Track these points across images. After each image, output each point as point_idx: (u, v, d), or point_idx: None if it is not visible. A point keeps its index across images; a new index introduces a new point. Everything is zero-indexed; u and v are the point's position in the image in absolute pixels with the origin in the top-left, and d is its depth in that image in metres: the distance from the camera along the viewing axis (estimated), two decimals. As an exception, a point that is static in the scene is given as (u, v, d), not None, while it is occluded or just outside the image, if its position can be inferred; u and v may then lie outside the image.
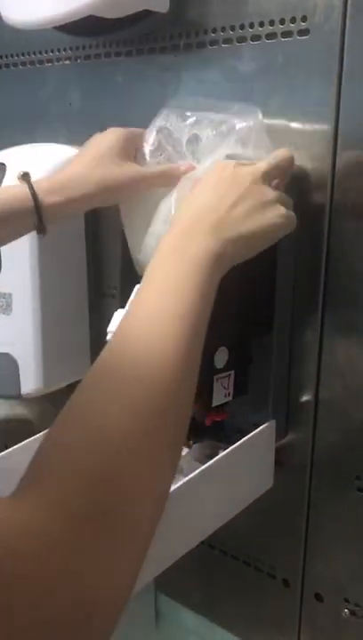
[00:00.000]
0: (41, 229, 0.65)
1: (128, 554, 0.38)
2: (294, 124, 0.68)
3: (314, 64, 0.65)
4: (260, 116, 0.66)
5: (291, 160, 0.64)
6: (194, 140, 0.68)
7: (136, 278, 0.69)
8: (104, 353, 0.46)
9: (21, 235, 0.68)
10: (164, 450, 0.43)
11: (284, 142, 0.69)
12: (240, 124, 0.65)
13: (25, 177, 0.66)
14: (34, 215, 0.64)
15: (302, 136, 0.68)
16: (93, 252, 0.92)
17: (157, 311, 0.47)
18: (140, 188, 0.68)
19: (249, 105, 0.67)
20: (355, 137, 0.64)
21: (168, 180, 0.67)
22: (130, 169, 0.68)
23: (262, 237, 0.57)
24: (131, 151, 0.69)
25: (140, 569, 0.39)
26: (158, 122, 0.70)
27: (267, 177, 0.60)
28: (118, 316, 0.65)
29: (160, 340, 0.45)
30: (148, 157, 0.70)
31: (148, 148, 0.70)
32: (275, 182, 0.62)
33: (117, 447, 0.39)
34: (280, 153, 0.63)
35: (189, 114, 0.68)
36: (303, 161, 0.68)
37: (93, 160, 0.67)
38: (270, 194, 0.58)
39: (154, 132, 0.70)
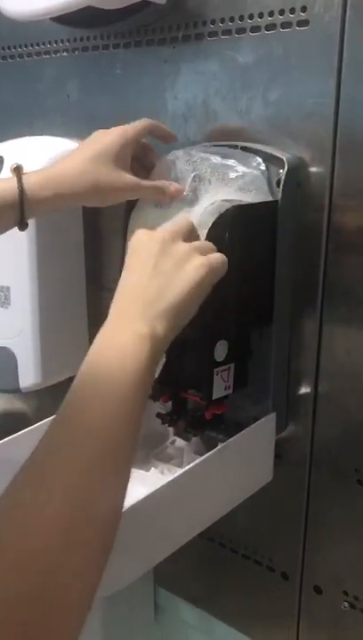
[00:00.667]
0: (22, 225, 0.64)
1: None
2: (294, 115, 0.68)
3: (314, 55, 0.65)
4: (262, 165, 0.67)
5: (190, 225, 0.62)
6: (197, 180, 0.68)
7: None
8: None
9: (8, 228, 0.66)
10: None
11: (283, 134, 0.69)
12: (241, 171, 0.67)
13: (16, 170, 0.65)
14: (18, 210, 0.63)
15: (301, 128, 0.67)
16: (92, 245, 0.92)
17: (86, 406, 0.47)
18: (131, 196, 0.68)
19: (250, 155, 0.69)
20: (355, 128, 0.64)
21: (159, 195, 0.68)
22: (126, 175, 0.67)
23: (190, 297, 0.55)
24: (128, 155, 0.68)
25: None
26: (169, 157, 0.71)
27: (177, 235, 0.58)
28: None
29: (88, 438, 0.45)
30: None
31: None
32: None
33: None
34: (184, 220, 0.63)
35: (194, 153, 0.70)
36: (303, 152, 0.68)
37: (90, 159, 0.66)
38: (182, 249, 0.57)
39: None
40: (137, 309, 0.53)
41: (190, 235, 0.60)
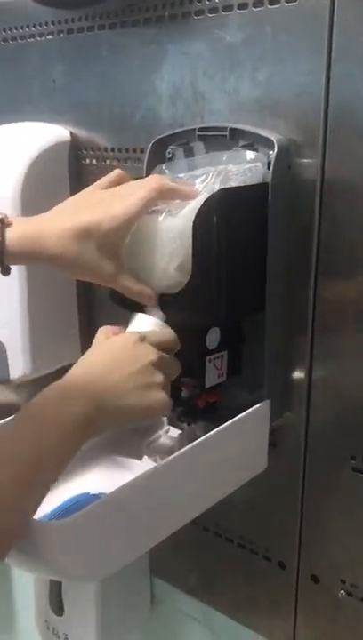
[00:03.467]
0: (5, 271, 0.63)
1: None
2: (284, 95, 0.66)
3: (303, 32, 0.63)
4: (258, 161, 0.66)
5: (175, 342, 0.64)
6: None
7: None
8: None
9: None
10: None
11: (273, 114, 0.67)
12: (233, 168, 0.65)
13: (1, 222, 0.61)
14: None
15: (291, 107, 0.66)
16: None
17: (19, 446, 0.50)
18: (108, 286, 0.65)
19: (239, 150, 0.67)
20: (346, 106, 0.63)
21: (129, 294, 0.64)
22: (107, 268, 0.62)
23: (135, 416, 0.58)
24: (121, 239, 0.62)
25: None
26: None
27: (164, 361, 0.61)
28: (138, 319, 0.65)
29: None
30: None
31: None
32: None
33: None
34: (167, 334, 0.64)
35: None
36: (293, 133, 0.66)
37: (76, 235, 0.60)
38: (159, 378, 0.59)
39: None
40: (94, 393, 0.55)
41: (171, 347, 0.63)
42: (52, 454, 0.51)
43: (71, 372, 0.58)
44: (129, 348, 0.59)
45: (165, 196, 0.62)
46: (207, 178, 0.65)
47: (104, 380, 0.56)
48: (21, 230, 0.62)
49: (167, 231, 0.65)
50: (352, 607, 0.75)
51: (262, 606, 0.85)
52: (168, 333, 0.64)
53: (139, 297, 0.65)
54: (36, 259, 0.62)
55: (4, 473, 0.48)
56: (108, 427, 0.58)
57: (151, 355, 0.59)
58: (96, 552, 0.56)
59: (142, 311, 0.66)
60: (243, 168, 0.66)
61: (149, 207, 0.62)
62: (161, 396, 0.59)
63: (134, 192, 0.61)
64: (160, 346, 0.61)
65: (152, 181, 0.63)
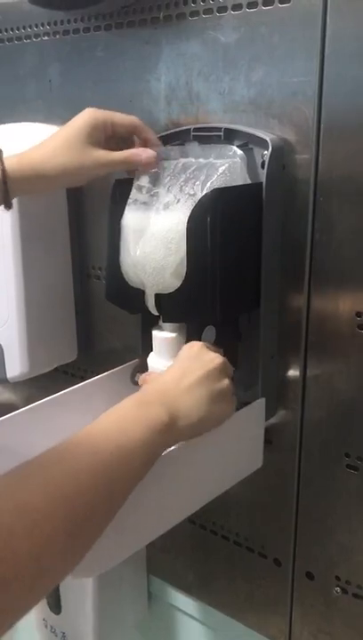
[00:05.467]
0: (7, 204, 0.69)
1: None
2: (278, 95, 0.66)
3: (297, 33, 0.64)
4: (238, 152, 0.67)
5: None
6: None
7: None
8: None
9: None
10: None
11: (268, 114, 0.68)
12: (222, 166, 0.66)
13: None
14: (2, 189, 0.67)
15: (285, 107, 0.66)
16: (77, 232, 0.91)
17: (101, 442, 0.52)
18: (104, 170, 0.70)
19: (226, 146, 0.68)
20: (340, 107, 0.63)
21: (130, 165, 0.70)
22: (95, 153, 0.69)
23: (208, 425, 0.61)
24: (100, 134, 0.69)
25: None
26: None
27: (224, 371, 0.64)
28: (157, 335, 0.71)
29: (90, 470, 0.49)
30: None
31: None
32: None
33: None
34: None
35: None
36: (287, 133, 0.67)
37: (60, 145, 0.69)
38: (227, 386, 0.63)
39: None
40: (169, 403, 0.58)
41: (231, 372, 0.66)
42: (134, 458, 0.52)
43: (146, 387, 0.62)
44: (194, 354, 0.63)
45: (135, 128, 0.71)
46: (175, 167, 0.68)
47: (176, 387, 0.60)
48: (15, 157, 0.68)
49: (163, 231, 0.66)
50: (347, 604, 0.76)
51: (258, 603, 0.85)
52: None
53: (137, 159, 0.69)
54: (35, 176, 0.68)
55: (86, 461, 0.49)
56: (185, 437, 0.59)
57: (217, 359, 0.63)
58: (92, 548, 0.56)
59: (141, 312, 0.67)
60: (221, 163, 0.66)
61: (122, 122, 0.70)
62: (232, 405, 0.63)
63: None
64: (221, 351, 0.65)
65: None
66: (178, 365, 0.63)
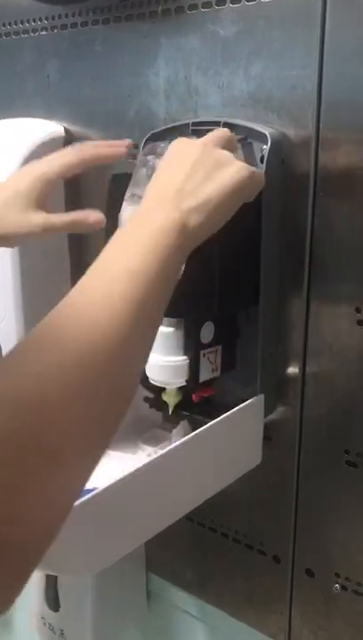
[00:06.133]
0: None
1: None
2: (277, 89, 0.66)
3: (296, 25, 0.63)
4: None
5: (233, 139, 0.61)
6: None
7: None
8: (62, 302, 0.45)
9: None
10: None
11: (267, 108, 0.67)
12: None
13: None
14: None
15: (284, 101, 0.66)
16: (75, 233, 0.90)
17: (109, 268, 0.47)
18: (44, 236, 0.66)
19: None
20: (339, 100, 0.63)
21: (74, 231, 0.67)
22: (32, 220, 0.65)
23: (226, 198, 0.54)
24: (42, 194, 0.65)
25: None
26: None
27: (218, 143, 0.57)
28: None
29: (105, 297, 0.44)
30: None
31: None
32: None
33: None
34: (224, 131, 0.60)
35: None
36: (287, 127, 0.66)
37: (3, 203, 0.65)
38: (224, 154, 0.56)
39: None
40: (171, 198, 0.52)
41: (231, 144, 0.59)
42: (154, 278, 0.46)
43: (143, 199, 0.55)
44: (182, 145, 0.57)
45: (86, 159, 0.66)
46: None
47: (172, 182, 0.53)
48: None
49: None
50: (347, 601, 0.76)
51: (258, 601, 0.85)
52: (222, 131, 0.60)
53: (82, 223, 0.65)
54: None
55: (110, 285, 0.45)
56: (207, 227, 0.53)
57: (205, 140, 0.57)
58: (90, 545, 0.56)
59: None
60: None
61: (63, 169, 0.66)
62: (240, 165, 0.55)
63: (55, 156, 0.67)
64: (219, 141, 0.58)
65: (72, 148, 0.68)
66: (166, 163, 0.56)
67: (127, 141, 0.68)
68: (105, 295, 0.44)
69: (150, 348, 0.48)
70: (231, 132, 0.60)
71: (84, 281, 0.46)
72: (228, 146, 0.58)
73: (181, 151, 0.56)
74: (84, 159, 0.67)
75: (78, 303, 0.44)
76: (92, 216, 0.65)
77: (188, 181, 0.53)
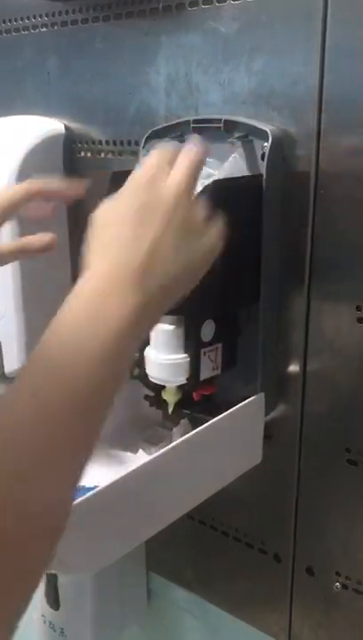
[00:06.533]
0: None
1: None
2: (278, 86, 0.66)
3: (297, 22, 0.63)
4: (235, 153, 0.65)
5: (201, 160, 0.51)
6: None
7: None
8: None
9: None
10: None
11: (268, 105, 0.67)
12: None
13: None
14: None
15: (286, 98, 0.66)
16: (75, 224, 0.90)
17: (54, 366, 0.42)
18: None
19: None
20: (341, 97, 0.62)
21: (22, 256, 0.66)
22: None
23: (194, 276, 0.49)
24: None
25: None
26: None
27: (191, 182, 0.49)
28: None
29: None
30: None
31: None
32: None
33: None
34: (191, 155, 0.50)
35: None
36: (288, 124, 0.66)
37: None
38: (198, 219, 0.49)
39: None
40: (131, 277, 0.44)
41: (201, 168, 0.51)
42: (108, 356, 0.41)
43: (91, 267, 0.47)
44: (150, 194, 0.47)
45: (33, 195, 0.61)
46: None
47: (133, 253, 0.45)
48: None
49: None
50: (347, 599, 0.75)
51: (258, 599, 0.85)
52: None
53: (27, 249, 0.63)
54: None
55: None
56: (170, 303, 0.47)
57: (178, 183, 0.47)
58: (91, 544, 0.56)
59: None
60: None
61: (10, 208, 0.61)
62: (215, 235, 0.49)
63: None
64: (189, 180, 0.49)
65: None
66: (132, 223, 0.46)
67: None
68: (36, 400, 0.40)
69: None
70: (207, 145, 0.53)
71: (24, 373, 0.42)
72: (198, 172, 0.51)
73: (148, 205, 0.47)
74: (30, 192, 0.62)
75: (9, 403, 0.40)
76: (40, 241, 0.62)
77: (154, 255, 0.45)
